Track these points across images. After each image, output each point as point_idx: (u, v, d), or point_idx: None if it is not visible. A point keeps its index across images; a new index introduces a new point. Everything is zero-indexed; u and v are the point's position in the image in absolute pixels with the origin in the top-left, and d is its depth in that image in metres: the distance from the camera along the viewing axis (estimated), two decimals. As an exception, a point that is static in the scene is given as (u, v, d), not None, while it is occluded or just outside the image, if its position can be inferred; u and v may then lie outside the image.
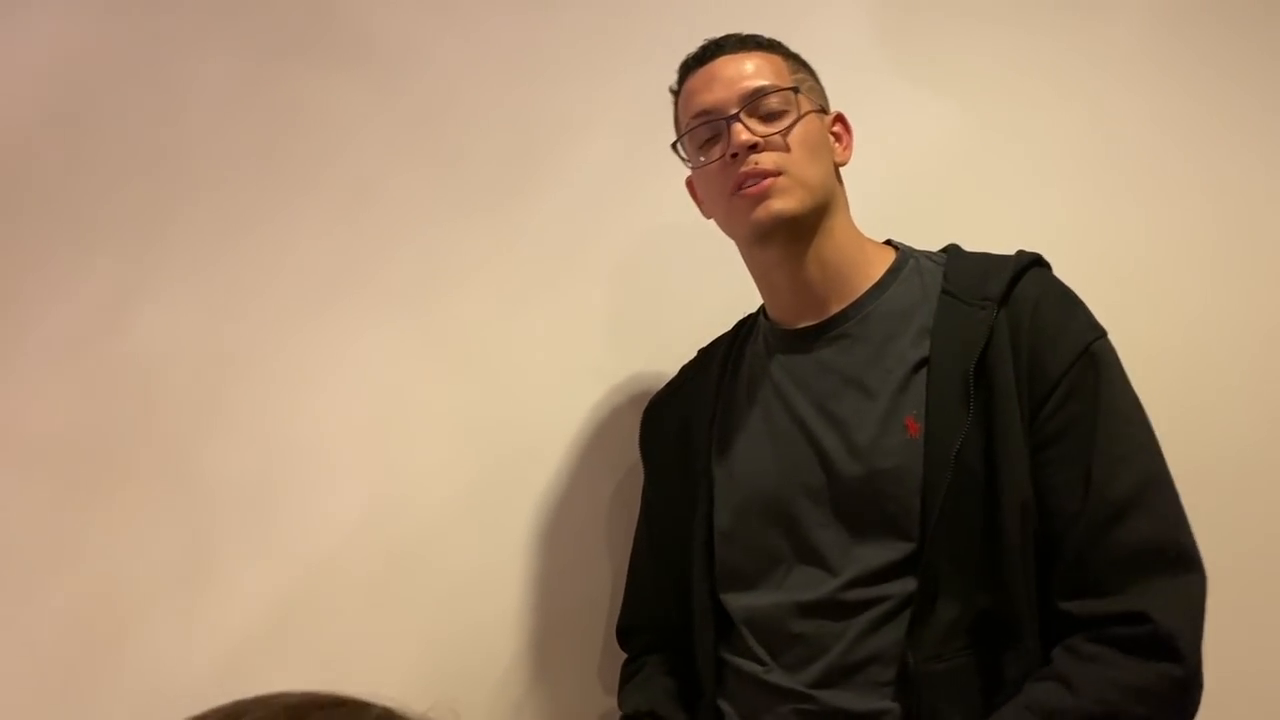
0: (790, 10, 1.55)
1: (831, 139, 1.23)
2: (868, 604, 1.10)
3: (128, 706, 1.31)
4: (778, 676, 1.15)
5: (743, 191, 1.16)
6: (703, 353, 1.38)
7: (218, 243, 1.43)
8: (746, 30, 1.24)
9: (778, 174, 1.15)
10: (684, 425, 1.32)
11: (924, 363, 1.13)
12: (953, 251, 1.24)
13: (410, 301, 1.47)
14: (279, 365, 1.43)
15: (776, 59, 1.22)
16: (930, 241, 1.26)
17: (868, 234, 1.26)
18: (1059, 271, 1.18)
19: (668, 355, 1.40)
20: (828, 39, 1.53)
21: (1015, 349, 1.09)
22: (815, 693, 1.11)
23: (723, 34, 1.24)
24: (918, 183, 1.55)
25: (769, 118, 1.18)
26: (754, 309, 1.34)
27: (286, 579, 1.38)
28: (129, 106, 1.44)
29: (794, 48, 1.26)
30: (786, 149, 1.16)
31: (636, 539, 1.41)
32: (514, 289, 1.50)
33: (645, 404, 1.41)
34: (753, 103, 1.18)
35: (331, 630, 1.39)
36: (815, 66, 1.27)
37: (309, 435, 1.42)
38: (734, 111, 1.17)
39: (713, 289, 1.41)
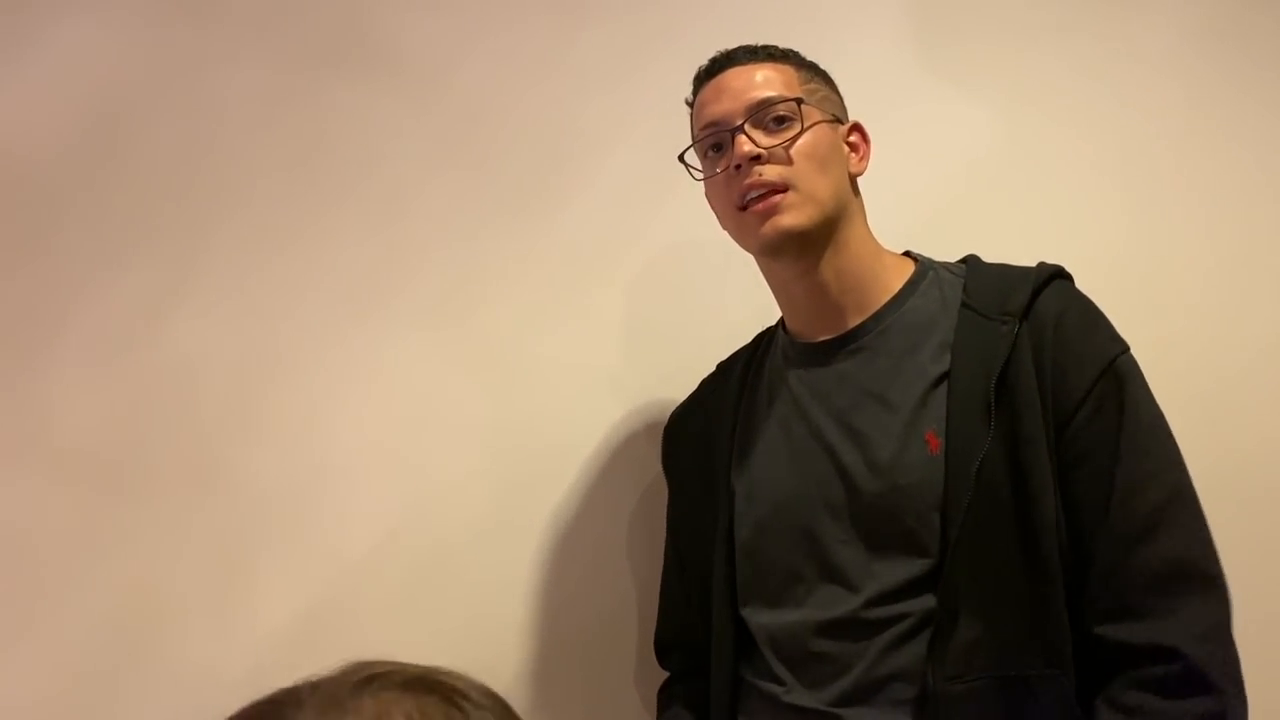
0: (822, 19, 1.56)
1: (846, 149, 1.22)
2: (889, 622, 1.09)
3: (161, 706, 1.34)
4: (798, 696, 1.14)
5: (751, 208, 1.16)
6: (722, 366, 1.38)
7: (251, 252, 1.46)
8: (775, 39, 1.24)
9: (785, 188, 1.15)
10: (704, 439, 1.32)
11: (944, 377, 1.12)
12: (972, 263, 1.22)
13: (439, 311, 1.49)
14: (310, 373, 1.45)
15: (787, 69, 1.21)
16: (959, 252, 1.25)
17: (896, 245, 1.25)
18: (1088, 282, 1.17)
19: (692, 368, 1.40)
20: (860, 48, 1.54)
21: (1038, 364, 1.08)
22: (838, 711, 1.10)
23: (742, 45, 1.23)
24: (947, 192, 1.54)
25: (775, 129, 1.17)
26: (776, 322, 1.33)
27: (315, 584, 1.40)
28: (165, 119, 1.46)
29: (825, 56, 1.25)
30: (793, 160, 1.15)
31: (666, 553, 1.40)
32: (541, 300, 1.51)
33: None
34: (758, 114, 1.17)
35: (358, 635, 1.40)
36: (846, 75, 1.26)
37: (339, 443, 1.44)
38: (738, 123, 1.17)
39: (738, 301, 1.41)
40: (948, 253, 1.26)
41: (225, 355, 1.43)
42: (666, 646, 1.39)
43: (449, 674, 0.62)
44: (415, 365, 1.48)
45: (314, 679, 0.62)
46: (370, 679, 0.60)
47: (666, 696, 1.36)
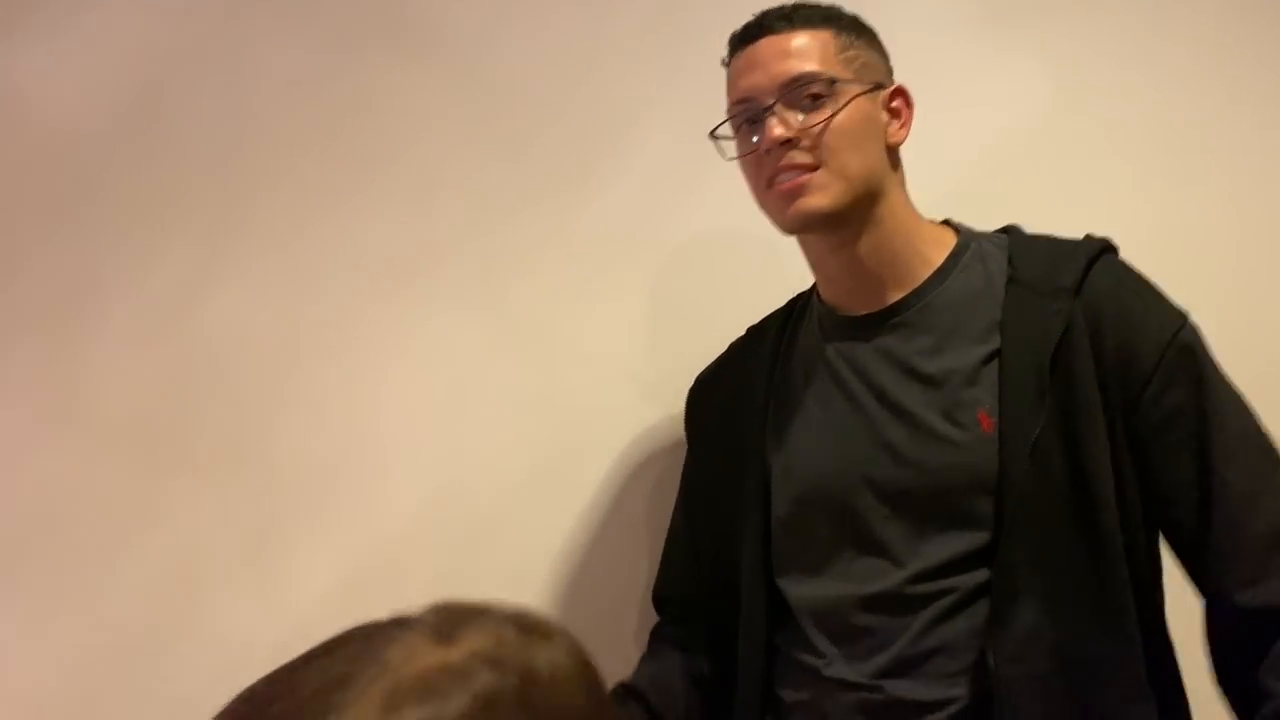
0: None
1: (886, 116, 1.16)
2: (934, 596, 1.09)
3: (200, 674, 1.36)
4: (839, 669, 1.14)
5: (775, 187, 1.13)
6: (753, 331, 1.35)
7: (289, 229, 1.46)
8: None
9: (814, 167, 1.11)
10: (732, 405, 1.29)
11: (994, 355, 1.10)
12: (1015, 235, 1.20)
13: (474, 288, 1.49)
14: (347, 347, 1.46)
15: (825, 35, 1.14)
16: (1000, 221, 1.23)
17: (935, 213, 1.22)
18: (1137, 257, 1.15)
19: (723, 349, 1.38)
20: (908, 8, 1.50)
21: (1096, 341, 1.07)
22: (880, 683, 1.11)
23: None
24: (988, 160, 1.52)
25: (808, 107, 1.11)
26: (809, 288, 1.30)
27: (351, 555, 1.42)
28: (204, 96, 1.46)
29: (880, 14, 1.20)
30: (825, 140, 1.11)
31: (675, 510, 1.39)
32: (576, 277, 1.51)
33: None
34: (790, 92, 1.11)
35: (393, 603, 1.40)
36: (889, 39, 1.21)
37: (375, 416, 1.46)
38: (770, 102, 1.12)
39: (771, 285, 1.38)
40: (989, 222, 1.24)
41: (264, 329, 1.44)
42: (665, 599, 1.38)
43: (531, 612, 0.66)
44: (450, 341, 1.48)
45: (410, 612, 0.64)
46: (474, 612, 0.63)
47: (655, 638, 1.36)
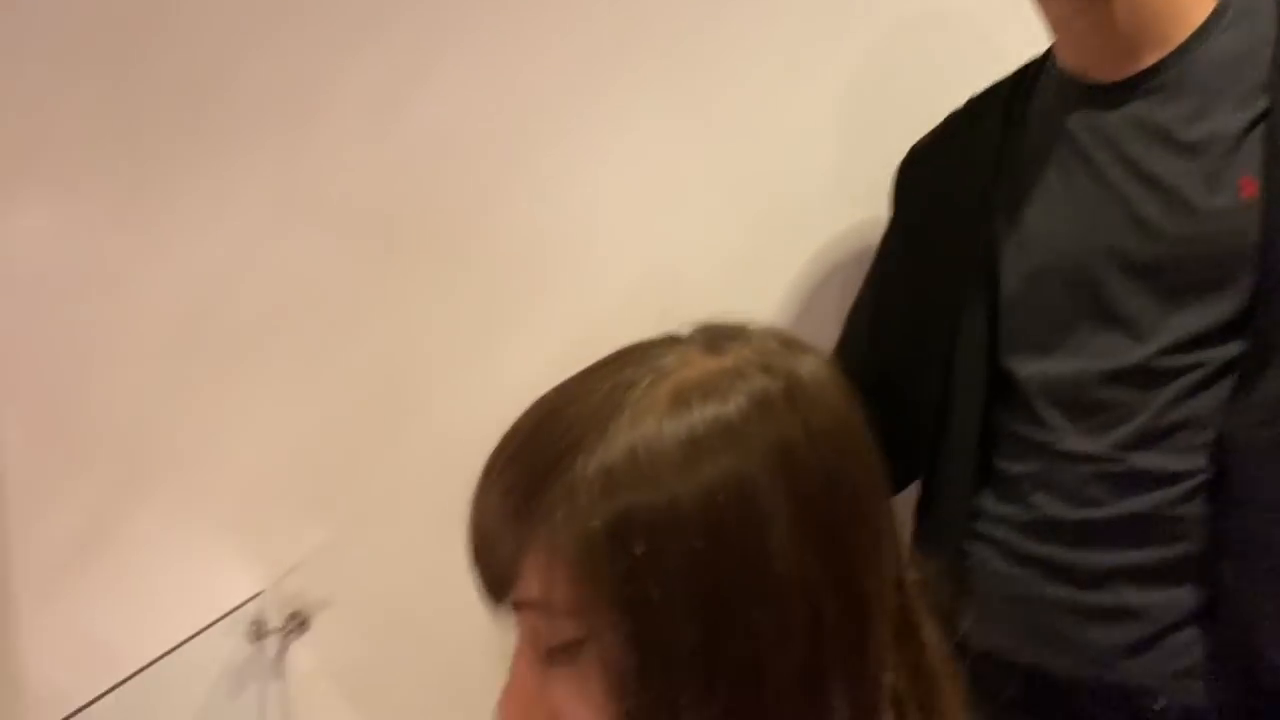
0: None
1: None
2: (1181, 371, 1.08)
3: (424, 453, 1.45)
4: (1075, 442, 1.14)
5: None
6: (975, 101, 1.28)
7: (502, 24, 1.44)
8: None
9: None
10: (952, 178, 1.25)
11: (1260, 119, 1.04)
12: None
13: (680, 79, 1.46)
14: (561, 138, 1.45)
15: None
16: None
17: None
18: None
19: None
20: None
21: None
22: (1121, 454, 1.11)
23: None
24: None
25: None
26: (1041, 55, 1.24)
27: (565, 339, 1.44)
28: None
29: None
30: None
31: (865, 283, 1.37)
32: (780, 65, 1.46)
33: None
34: None
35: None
36: None
37: (588, 205, 1.46)
38: None
39: (985, 64, 1.32)
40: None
41: (481, 121, 1.44)
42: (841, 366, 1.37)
43: (786, 330, 0.70)
44: (657, 130, 1.46)
45: (678, 331, 0.69)
46: (738, 327, 0.68)
47: None
